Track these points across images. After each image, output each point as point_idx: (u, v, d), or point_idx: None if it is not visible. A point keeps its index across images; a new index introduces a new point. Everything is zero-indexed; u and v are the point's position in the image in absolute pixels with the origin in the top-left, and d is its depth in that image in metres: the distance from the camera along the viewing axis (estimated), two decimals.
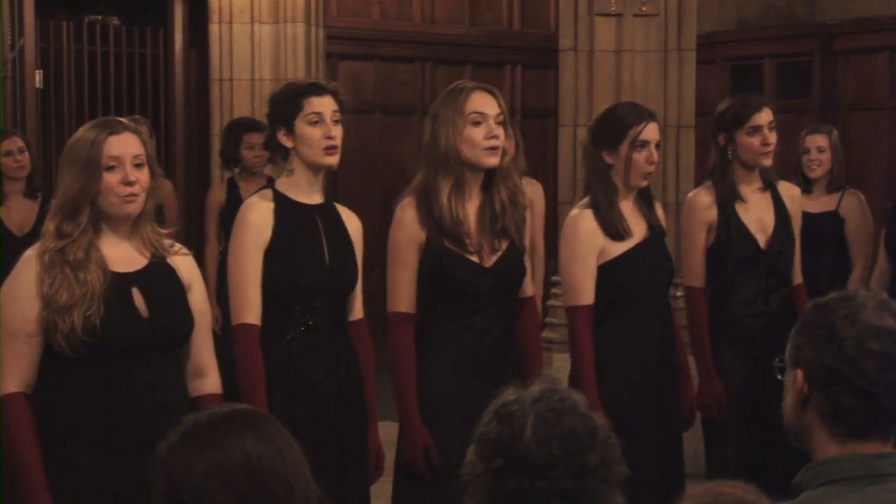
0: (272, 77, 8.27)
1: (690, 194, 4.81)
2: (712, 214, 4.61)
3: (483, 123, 3.80)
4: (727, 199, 4.61)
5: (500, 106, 3.85)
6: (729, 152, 4.62)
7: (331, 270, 3.75)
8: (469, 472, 1.97)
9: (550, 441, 1.91)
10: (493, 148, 3.81)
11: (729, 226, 4.60)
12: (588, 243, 4.17)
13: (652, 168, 4.20)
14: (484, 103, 3.82)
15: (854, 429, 2.04)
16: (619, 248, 4.19)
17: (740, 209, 4.62)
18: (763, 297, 4.63)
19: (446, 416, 3.78)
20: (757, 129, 4.58)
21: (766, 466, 4.40)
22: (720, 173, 4.64)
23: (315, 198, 3.81)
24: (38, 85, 8.47)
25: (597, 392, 4.04)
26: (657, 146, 4.23)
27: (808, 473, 2.07)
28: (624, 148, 4.17)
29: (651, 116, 4.26)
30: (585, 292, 4.16)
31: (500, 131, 3.82)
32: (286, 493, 1.96)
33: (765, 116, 4.60)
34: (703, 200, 4.64)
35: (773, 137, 4.60)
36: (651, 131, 4.19)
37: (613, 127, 4.22)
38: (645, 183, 4.23)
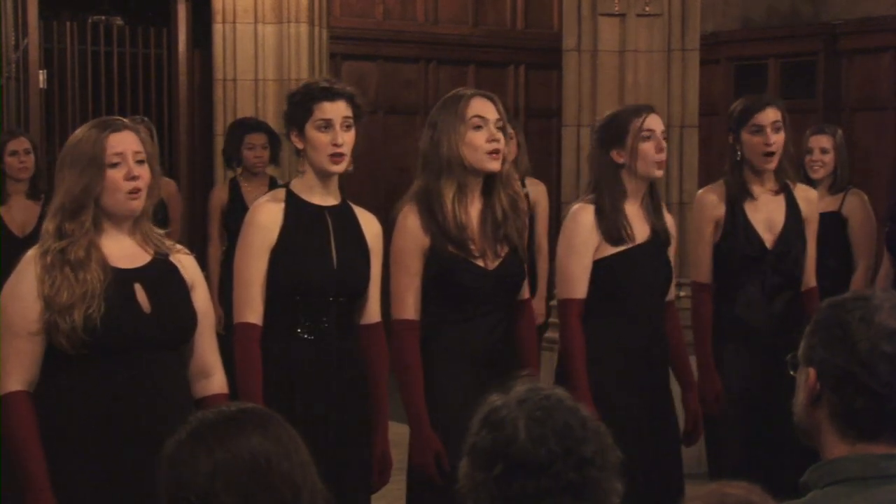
0: (276, 77, 8.27)
1: (700, 191, 4.83)
2: (720, 211, 4.63)
3: (484, 128, 3.82)
4: (736, 198, 4.63)
5: (499, 112, 3.88)
6: (738, 151, 4.63)
7: (338, 272, 3.74)
8: (467, 484, 1.97)
9: (546, 438, 1.92)
10: (495, 152, 3.82)
11: (736, 224, 4.61)
12: (586, 238, 4.17)
13: (662, 157, 4.20)
14: (484, 108, 3.84)
15: (864, 430, 2.03)
16: (616, 247, 4.19)
17: (749, 208, 4.63)
18: (766, 298, 4.63)
19: (456, 419, 3.76)
20: (759, 129, 4.58)
21: (769, 467, 4.39)
22: (731, 172, 4.66)
23: (329, 199, 3.79)
24: (41, 85, 8.49)
25: (587, 385, 4.04)
26: (664, 137, 4.24)
27: (815, 473, 2.06)
28: (630, 140, 4.18)
29: (650, 109, 4.31)
30: (579, 286, 4.17)
31: (500, 136, 3.84)
32: (293, 494, 1.96)
33: (769, 116, 4.59)
34: (711, 197, 4.67)
35: (775, 137, 4.57)
36: (653, 121, 4.22)
37: (616, 124, 4.24)
38: (658, 172, 4.23)
